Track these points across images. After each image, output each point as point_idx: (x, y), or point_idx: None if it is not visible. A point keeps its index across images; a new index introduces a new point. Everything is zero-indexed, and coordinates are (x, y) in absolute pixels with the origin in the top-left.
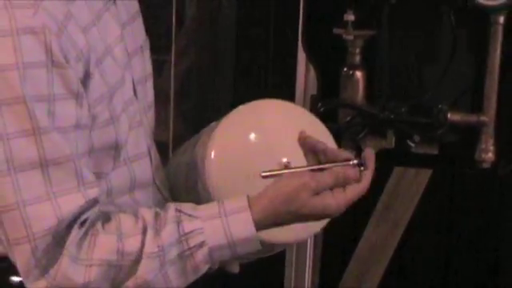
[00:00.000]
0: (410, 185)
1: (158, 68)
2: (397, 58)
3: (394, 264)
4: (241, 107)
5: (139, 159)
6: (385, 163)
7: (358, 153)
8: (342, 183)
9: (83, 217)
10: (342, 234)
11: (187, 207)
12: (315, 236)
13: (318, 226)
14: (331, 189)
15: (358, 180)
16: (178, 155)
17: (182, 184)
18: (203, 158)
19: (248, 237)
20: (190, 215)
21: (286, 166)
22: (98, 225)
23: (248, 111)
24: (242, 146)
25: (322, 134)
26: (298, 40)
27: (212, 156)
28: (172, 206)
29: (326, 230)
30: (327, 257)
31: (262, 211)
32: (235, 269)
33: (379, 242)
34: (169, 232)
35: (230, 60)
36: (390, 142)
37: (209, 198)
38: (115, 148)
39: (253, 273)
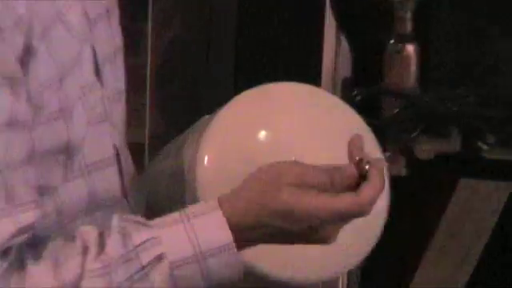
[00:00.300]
0: (483, 204)
1: (129, 41)
2: (463, 25)
3: None
4: (243, 94)
5: (102, 167)
6: (447, 174)
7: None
8: (337, 180)
9: (6, 244)
10: (386, 274)
11: (137, 217)
12: (349, 276)
13: (353, 258)
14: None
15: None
16: (157, 161)
17: (163, 199)
18: (193, 163)
19: (222, 244)
20: (140, 223)
21: None
22: (27, 252)
23: (253, 100)
24: (244, 148)
25: (358, 132)
26: (325, 2)
27: (205, 161)
28: (115, 216)
29: (363, 268)
30: None
31: (235, 208)
32: None
33: (441, 280)
34: (114, 246)
35: (230, 29)
36: (454, 144)
37: None
38: (67, 152)
39: None
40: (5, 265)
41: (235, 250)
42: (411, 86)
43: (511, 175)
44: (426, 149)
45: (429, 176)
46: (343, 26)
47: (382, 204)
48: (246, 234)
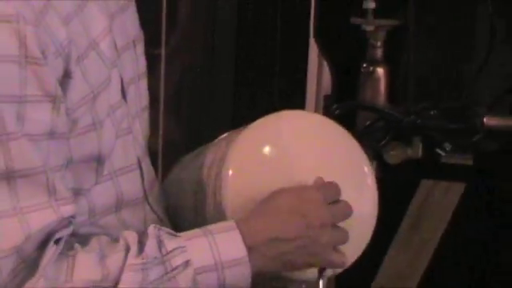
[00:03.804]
0: (440, 201)
1: (148, 65)
2: (425, 52)
3: None
4: (262, 119)
5: (127, 173)
6: (410, 176)
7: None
8: (328, 196)
9: (57, 235)
10: (359, 260)
11: (167, 229)
12: None
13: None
14: None
15: None
16: (178, 171)
17: (188, 205)
18: (219, 175)
19: (238, 257)
20: (171, 234)
21: None
22: (76, 244)
23: (270, 124)
24: (262, 164)
25: (351, 147)
26: (309, 31)
27: (230, 173)
28: (152, 226)
29: None
30: (343, 285)
31: (250, 225)
32: None
33: (403, 269)
34: (150, 250)
35: (231, 55)
36: (417, 150)
37: (222, 219)
38: (98, 159)
39: None
40: (57, 252)
41: (248, 263)
42: (381, 101)
43: (464, 177)
44: (393, 154)
45: (396, 177)
46: (324, 52)
47: (371, 210)
48: (262, 250)
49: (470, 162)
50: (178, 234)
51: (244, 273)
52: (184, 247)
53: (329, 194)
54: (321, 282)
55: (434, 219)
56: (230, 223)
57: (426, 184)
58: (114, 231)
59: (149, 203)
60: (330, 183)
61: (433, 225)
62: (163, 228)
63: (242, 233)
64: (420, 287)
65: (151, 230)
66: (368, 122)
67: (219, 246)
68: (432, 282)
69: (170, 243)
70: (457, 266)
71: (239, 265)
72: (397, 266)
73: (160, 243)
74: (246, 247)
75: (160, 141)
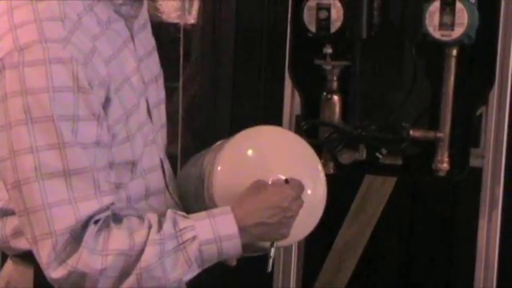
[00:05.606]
0: (379, 190)
1: (169, 94)
2: (368, 84)
3: (365, 257)
4: (244, 131)
5: (153, 171)
6: (357, 172)
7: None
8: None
9: (96, 217)
10: (321, 232)
11: (182, 212)
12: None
13: (305, 231)
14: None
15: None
16: (187, 168)
17: (191, 193)
18: (211, 171)
19: (231, 234)
20: (183, 216)
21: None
22: (111, 222)
23: (250, 134)
24: (243, 163)
25: (307, 151)
26: (285, 70)
27: (218, 170)
28: (169, 211)
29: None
30: (310, 250)
31: (242, 211)
32: (233, 262)
33: (352, 238)
34: (167, 227)
35: (228, 87)
36: (362, 154)
37: (213, 205)
38: (132, 162)
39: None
40: (96, 229)
41: (238, 238)
42: (336, 119)
43: (395, 173)
44: (345, 157)
45: (347, 174)
46: (296, 84)
47: (322, 196)
48: (250, 230)
49: (399, 162)
50: (189, 215)
51: (236, 245)
52: (193, 226)
53: (297, 189)
54: (272, 250)
55: (374, 203)
56: (227, 208)
57: (368, 178)
58: (144, 213)
59: (169, 192)
60: (298, 181)
61: (373, 208)
62: (178, 212)
63: (235, 216)
64: (365, 250)
65: (169, 213)
66: (327, 134)
67: (218, 225)
68: (373, 246)
69: (183, 223)
70: (390, 235)
71: (232, 239)
72: (348, 237)
73: (175, 223)
74: (237, 226)
75: (179, 147)
